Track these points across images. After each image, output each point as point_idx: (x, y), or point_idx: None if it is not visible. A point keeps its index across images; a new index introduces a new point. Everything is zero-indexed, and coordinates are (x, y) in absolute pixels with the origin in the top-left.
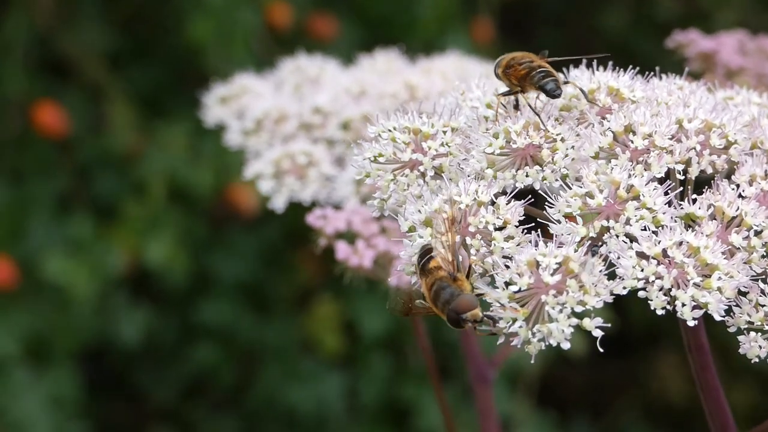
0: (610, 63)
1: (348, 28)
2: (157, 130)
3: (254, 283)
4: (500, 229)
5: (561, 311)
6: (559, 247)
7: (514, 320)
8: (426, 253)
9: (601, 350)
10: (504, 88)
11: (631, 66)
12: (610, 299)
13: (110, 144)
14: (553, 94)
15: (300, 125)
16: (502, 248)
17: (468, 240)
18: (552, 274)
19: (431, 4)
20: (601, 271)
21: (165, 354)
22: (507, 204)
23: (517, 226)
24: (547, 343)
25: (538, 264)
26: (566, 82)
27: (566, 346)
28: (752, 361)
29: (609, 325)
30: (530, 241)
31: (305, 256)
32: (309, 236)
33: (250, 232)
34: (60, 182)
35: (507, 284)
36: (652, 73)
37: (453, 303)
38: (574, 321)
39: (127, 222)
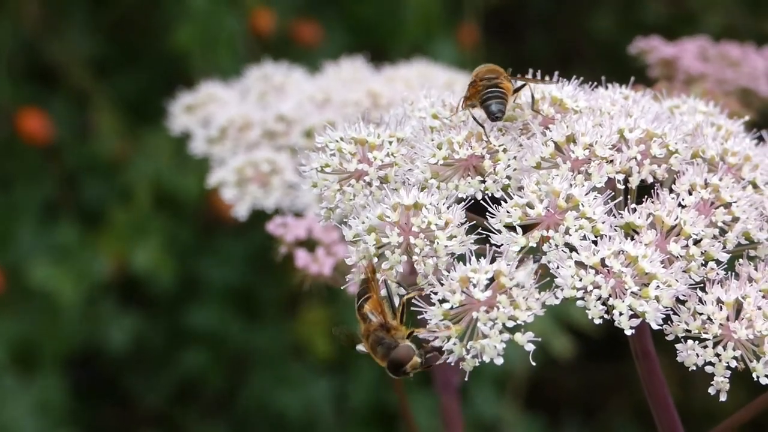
0: (557, 73)
1: (335, 33)
2: (143, 136)
3: (243, 288)
4: (442, 228)
5: (492, 327)
6: (491, 262)
7: (449, 338)
8: (362, 294)
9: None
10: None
11: (616, 68)
12: (541, 313)
13: (96, 150)
14: (493, 116)
15: (264, 133)
16: (446, 246)
17: (411, 240)
18: (483, 290)
19: (417, 8)
20: (532, 284)
21: (154, 359)
22: (448, 209)
23: (458, 226)
24: (480, 360)
25: (470, 280)
26: (518, 89)
27: (499, 361)
28: (690, 369)
29: (540, 339)
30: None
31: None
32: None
33: (238, 236)
34: (46, 189)
35: (441, 302)
36: (633, 77)
37: (391, 356)
38: (506, 336)
39: (113, 228)
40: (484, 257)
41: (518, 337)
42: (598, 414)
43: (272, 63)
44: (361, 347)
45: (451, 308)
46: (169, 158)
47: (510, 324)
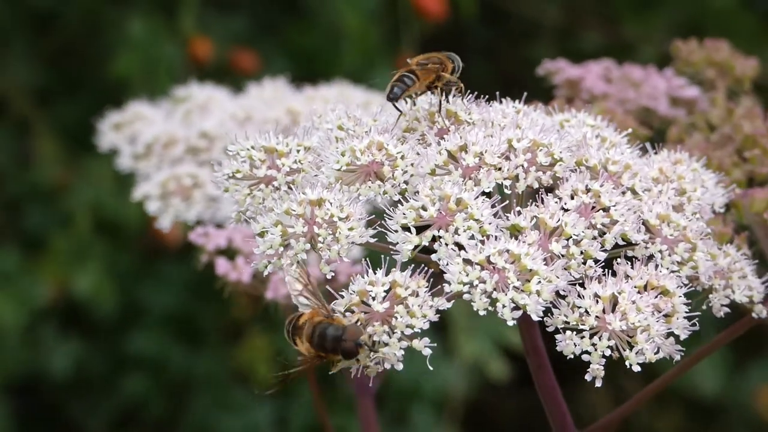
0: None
1: (275, 61)
2: (84, 164)
3: (184, 314)
4: (344, 220)
5: (392, 336)
6: (387, 273)
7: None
8: (292, 319)
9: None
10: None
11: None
12: (435, 318)
13: (38, 178)
14: (387, 96)
15: (187, 149)
16: (347, 235)
17: (315, 229)
18: (381, 302)
19: (354, 38)
20: (425, 291)
21: (96, 385)
22: (349, 205)
23: (358, 220)
24: (383, 367)
25: (368, 293)
26: (434, 87)
27: (399, 367)
28: (568, 358)
29: (435, 345)
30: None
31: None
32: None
33: (180, 262)
34: None
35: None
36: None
37: (345, 334)
38: (405, 344)
39: (54, 254)
40: (380, 268)
41: (416, 343)
42: None
43: (194, 85)
44: (300, 359)
45: (356, 322)
46: (110, 185)
47: (408, 332)
